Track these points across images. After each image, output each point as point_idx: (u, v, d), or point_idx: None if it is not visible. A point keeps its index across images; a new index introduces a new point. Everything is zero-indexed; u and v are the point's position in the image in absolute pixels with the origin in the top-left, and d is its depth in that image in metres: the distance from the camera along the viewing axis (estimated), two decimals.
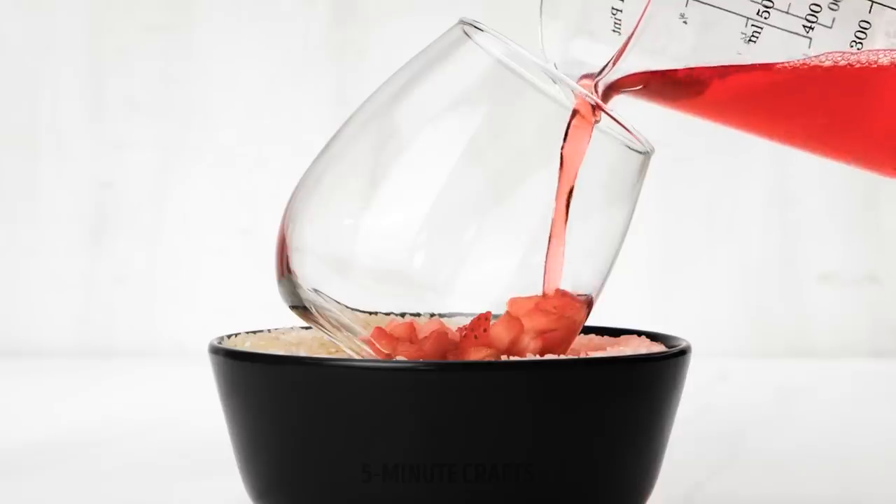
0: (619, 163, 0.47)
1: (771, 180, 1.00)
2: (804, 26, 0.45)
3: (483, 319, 0.46)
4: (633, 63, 0.46)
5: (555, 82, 0.47)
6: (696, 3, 0.45)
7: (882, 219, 1.00)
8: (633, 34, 0.45)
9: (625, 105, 0.48)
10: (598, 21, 0.49)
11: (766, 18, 0.44)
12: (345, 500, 0.44)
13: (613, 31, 0.48)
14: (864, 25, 0.45)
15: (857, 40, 0.45)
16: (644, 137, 0.47)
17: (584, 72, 0.48)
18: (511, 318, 0.46)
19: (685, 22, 0.45)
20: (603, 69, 0.47)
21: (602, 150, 0.47)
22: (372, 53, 1.01)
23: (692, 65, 0.46)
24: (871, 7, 0.44)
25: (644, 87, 0.47)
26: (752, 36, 0.45)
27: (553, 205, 0.47)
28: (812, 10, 0.45)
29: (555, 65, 0.49)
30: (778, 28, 0.45)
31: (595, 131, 0.47)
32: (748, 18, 0.45)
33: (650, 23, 0.45)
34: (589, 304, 0.48)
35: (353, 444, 0.44)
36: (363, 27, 1.01)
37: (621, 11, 0.47)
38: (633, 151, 0.47)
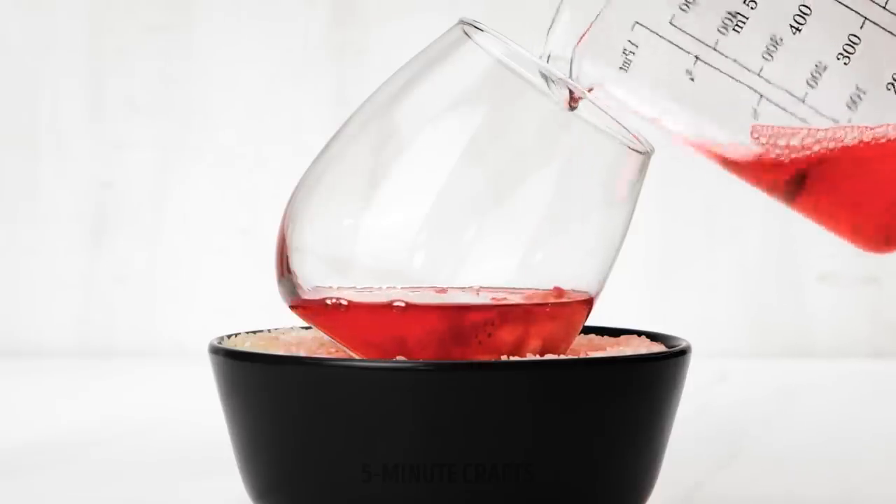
0: (619, 163, 0.47)
1: None
2: (805, 85, 0.45)
3: (488, 325, 0.46)
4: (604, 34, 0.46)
5: (550, 79, 0.47)
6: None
7: None
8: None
9: (624, 103, 0.48)
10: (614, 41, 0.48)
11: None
12: (345, 500, 0.44)
13: (621, 68, 0.47)
14: (854, 40, 0.44)
15: (846, 53, 0.45)
16: (643, 137, 0.47)
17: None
18: (513, 321, 0.46)
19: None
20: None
21: (602, 150, 0.47)
22: (372, 53, 1.01)
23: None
24: (863, 24, 0.44)
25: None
26: (736, 26, 0.45)
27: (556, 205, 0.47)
28: (813, 76, 0.44)
29: (548, 57, 0.48)
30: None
31: (595, 131, 0.47)
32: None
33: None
34: (589, 303, 0.48)
35: (353, 444, 0.44)
36: (363, 27, 1.01)
37: (633, 53, 0.47)
38: (632, 151, 0.47)
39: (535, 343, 0.47)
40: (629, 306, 0.99)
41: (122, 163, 1.02)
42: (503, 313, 0.46)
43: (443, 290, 0.46)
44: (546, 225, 0.47)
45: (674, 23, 0.45)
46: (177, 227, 1.02)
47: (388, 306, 0.46)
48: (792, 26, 0.44)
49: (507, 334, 0.46)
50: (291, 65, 1.02)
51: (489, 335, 0.46)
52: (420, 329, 0.46)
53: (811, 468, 0.62)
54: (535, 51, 0.48)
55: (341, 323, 0.47)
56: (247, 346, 0.49)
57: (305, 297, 0.47)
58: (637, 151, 0.47)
